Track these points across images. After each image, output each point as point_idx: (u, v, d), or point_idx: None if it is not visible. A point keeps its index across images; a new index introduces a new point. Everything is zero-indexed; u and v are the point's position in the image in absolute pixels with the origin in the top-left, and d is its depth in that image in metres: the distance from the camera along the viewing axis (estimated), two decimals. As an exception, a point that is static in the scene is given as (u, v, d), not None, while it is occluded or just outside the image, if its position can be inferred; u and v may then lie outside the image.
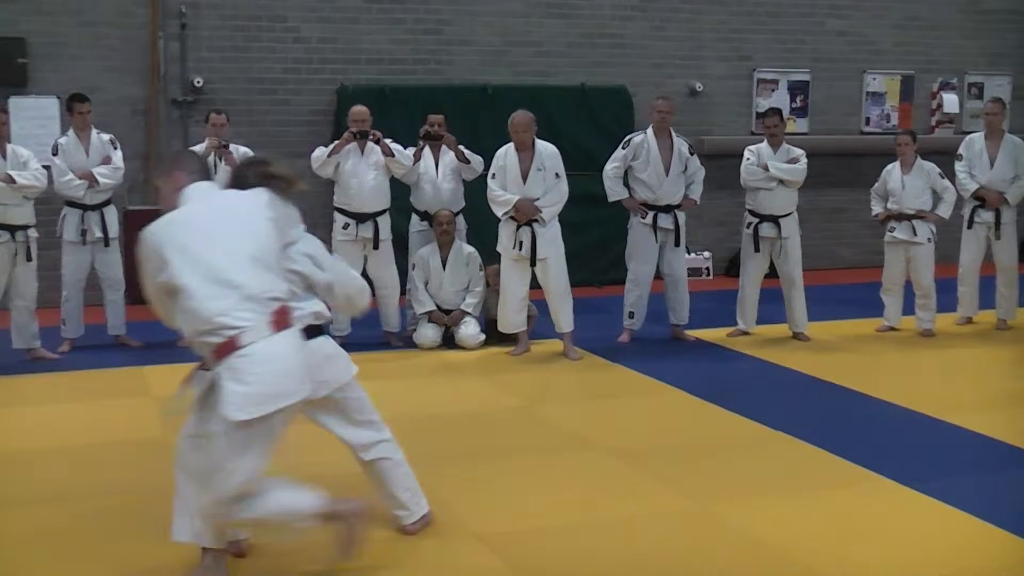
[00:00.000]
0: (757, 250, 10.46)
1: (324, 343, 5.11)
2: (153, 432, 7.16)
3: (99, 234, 10.12)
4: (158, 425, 7.19)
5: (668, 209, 10.23)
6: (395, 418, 7.69)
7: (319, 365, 4.88)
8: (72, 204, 10.06)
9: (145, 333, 9.97)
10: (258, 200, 4.72)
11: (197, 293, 4.35)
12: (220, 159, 10.13)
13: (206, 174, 4.84)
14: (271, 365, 4.38)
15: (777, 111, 10.70)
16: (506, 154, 9.62)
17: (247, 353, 4.32)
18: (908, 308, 10.77)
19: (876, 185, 10.86)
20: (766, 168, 10.31)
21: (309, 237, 5.30)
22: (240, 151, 10.40)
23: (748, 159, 10.47)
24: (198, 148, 10.39)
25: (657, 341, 10.35)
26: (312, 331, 4.94)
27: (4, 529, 5.67)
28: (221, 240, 4.47)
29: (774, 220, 10.41)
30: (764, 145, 10.46)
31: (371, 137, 10.04)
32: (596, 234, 13.10)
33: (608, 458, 6.81)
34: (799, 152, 10.45)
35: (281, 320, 4.45)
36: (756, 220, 10.45)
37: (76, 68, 12.56)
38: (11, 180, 9.33)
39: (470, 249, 10.29)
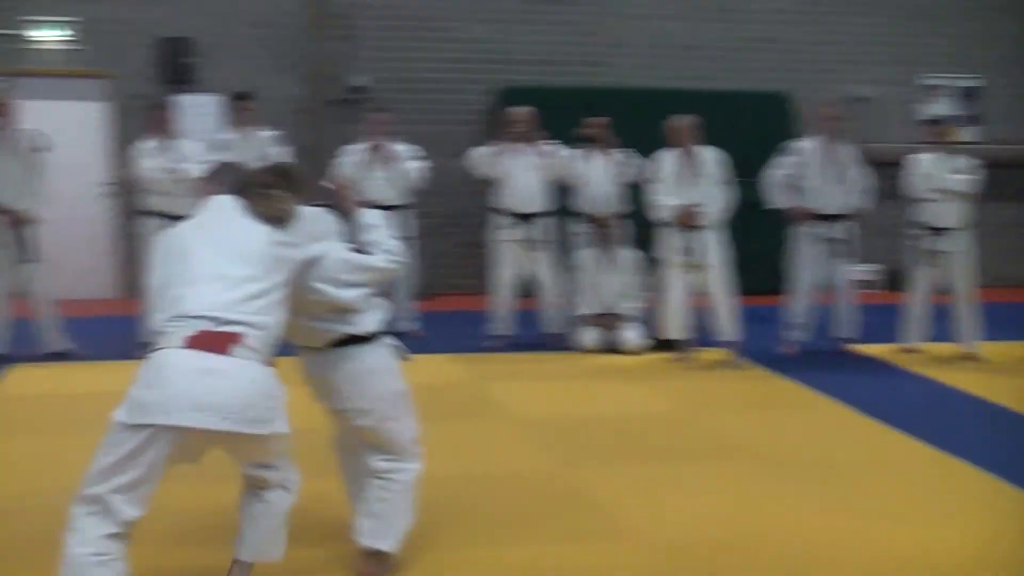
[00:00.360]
0: (926, 263, 10.07)
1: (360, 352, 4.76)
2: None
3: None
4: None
5: (833, 218, 9.98)
6: (554, 419, 7.79)
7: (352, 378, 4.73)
8: (236, 198, 10.23)
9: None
10: (261, 230, 4.34)
11: (154, 300, 4.24)
12: (377, 158, 10.24)
13: (238, 190, 4.50)
14: (159, 374, 3.98)
15: (945, 119, 10.31)
16: (667, 159, 9.50)
17: (150, 358, 4.06)
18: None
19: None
20: (935, 179, 9.93)
21: (333, 251, 4.63)
22: (399, 149, 10.47)
23: (916, 169, 10.06)
24: (357, 146, 10.48)
25: (823, 354, 10.11)
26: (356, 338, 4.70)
27: None
28: (196, 255, 4.23)
29: (942, 232, 9.97)
30: (930, 155, 10.07)
31: (531, 138, 10.02)
32: (759, 242, 12.84)
33: (771, 469, 6.61)
34: (970, 162, 10.01)
35: (207, 340, 4.00)
36: (925, 232, 10.07)
37: (240, 67, 12.79)
38: (177, 172, 9.53)
39: (633, 253, 10.17)
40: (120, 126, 12.69)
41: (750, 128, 13.64)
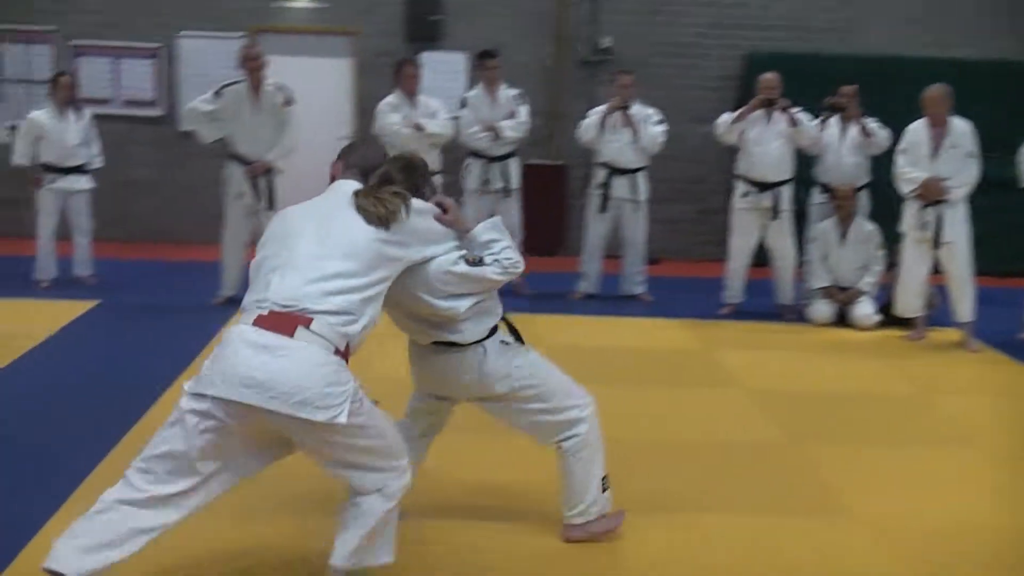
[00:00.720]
0: None
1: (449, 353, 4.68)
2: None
3: (500, 184, 10.53)
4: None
5: (1087, 198, 9.66)
6: (784, 391, 7.81)
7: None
8: (476, 155, 10.52)
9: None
10: (366, 226, 4.20)
11: (251, 277, 4.25)
12: (620, 120, 10.36)
13: (364, 174, 4.47)
14: (222, 349, 4.04)
15: None
16: (918, 130, 9.32)
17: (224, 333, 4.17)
18: None
19: None
20: None
21: (441, 261, 4.45)
22: (645, 112, 10.54)
23: None
24: (601, 108, 10.59)
25: (1065, 340, 9.79)
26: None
27: None
28: (296, 241, 4.19)
29: None
30: None
31: (778, 105, 9.95)
32: (1005, 220, 12.50)
33: (1003, 459, 6.53)
34: None
35: (274, 320, 3.99)
36: None
37: (487, 26, 13.02)
38: (420, 128, 9.88)
39: (871, 226, 10.06)
40: (365, 82, 13.08)
41: (1014, 100, 13.21)
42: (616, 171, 10.60)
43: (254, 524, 5.06)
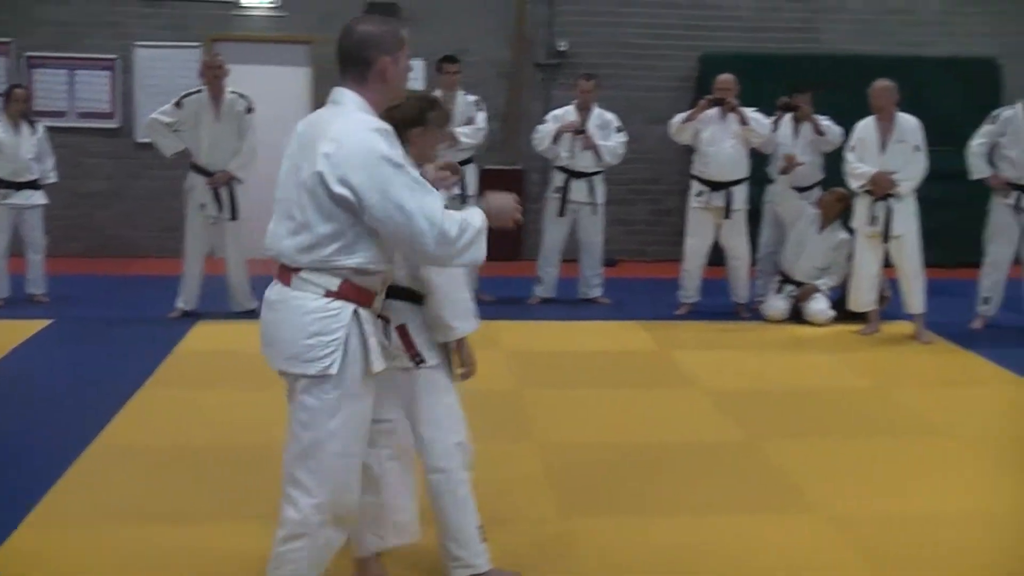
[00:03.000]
0: None
1: None
2: (507, 383, 7.45)
3: (457, 191, 10.54)
4: (510, 376, 7.50)
5: (1035, 189, 9.80)
6: (742, 389, 7.91)
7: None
8: (433, 161, 10.55)
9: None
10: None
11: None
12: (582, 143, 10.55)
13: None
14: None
15: None
16: (866, 126, 9.44)
17: None
18: None
19: None
20: None
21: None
22: (605, 118, 10.66)
23: None
24: (560, 111, 10.68)
25: (1013, 329, 9.94)
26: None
27: None
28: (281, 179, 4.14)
29: None
30: None
31: (726, 105, 10.04)
32: (954, 213, 12.63)
33: (959, 448, 6.65)
34: None
35: (279, 270, 3.99)
36: None
37: (444, 31, 13.04)
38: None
39: (845, 235, 10.05)
40: (324, 91, 13.03)
41: (961, 95, 13.38)
42: (574, 175, 10.69)
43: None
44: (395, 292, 4.27)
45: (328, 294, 3.81)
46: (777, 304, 10.15)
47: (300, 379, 3.83)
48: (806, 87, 10.49)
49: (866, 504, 5.68)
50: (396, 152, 3.77)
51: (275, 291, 3.96)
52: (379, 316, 4.08)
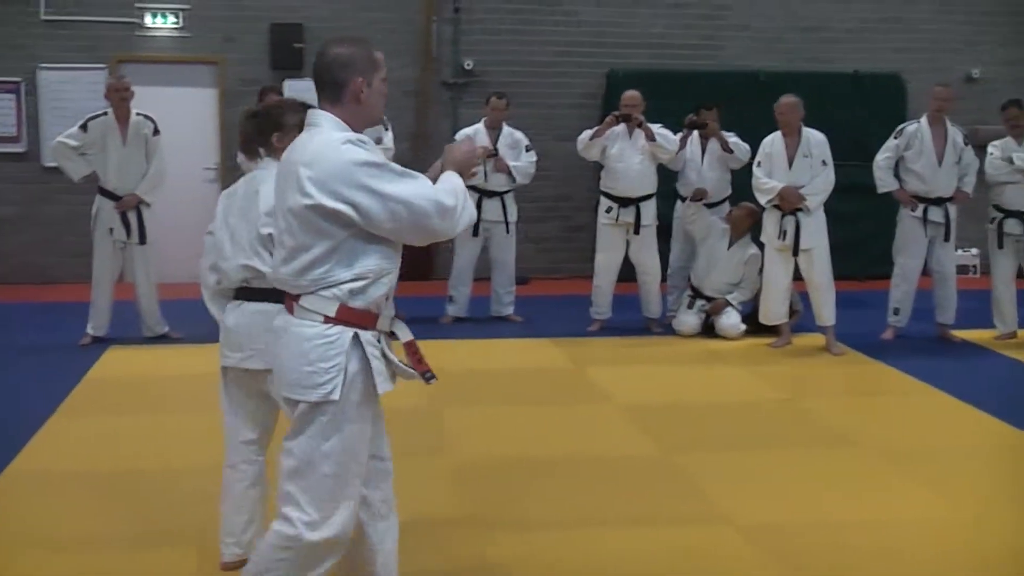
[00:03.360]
0: (1001, 247, 10.04)
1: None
2: (420, 402, 7.41)
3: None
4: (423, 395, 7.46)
5: (939, 202, 9.92)
6: (656, 404, 7.91)
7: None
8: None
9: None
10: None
11: None
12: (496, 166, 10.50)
13: None
14: None
15: (1016, 101, 10.15)
16: (773, 142, 9.51)
17: None
18: None
19: None
20: (1011, 162, 9.88)
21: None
22: (514, 137, 10.66)
23: (992, 153, 10.04)
24: (470, 130, 10.65)
25: (922, 340, 10.05)
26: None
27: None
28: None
29: (1020, 217, 9.94)
30: (1008, 139, 10.03)
31: (633, 121, 10.06)
32: (863, 226, 12.81)
33: (872, 457, 6.69)
34: None
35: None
36: (1001, 215, 10.03)
37: (351, 52, 12.97)
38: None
39: (755, 251, 10.11)
40: (231, 112, 12.94)
41: (866, 110, 13.56)
42: (486, 194, 10.66)
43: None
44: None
45: (326, 320, 3.81)
46: (688, 319, 10.16)
47: (300, 405, 3.84)
48: (712, 103, 10.54)
49: (779, 514, 5.68)
50: (373, 155, 3.79)
51: (280, 319, 3.98)
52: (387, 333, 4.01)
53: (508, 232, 10.81)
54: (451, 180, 3.92)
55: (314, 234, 3.76)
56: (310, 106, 4.41)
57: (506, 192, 10.74)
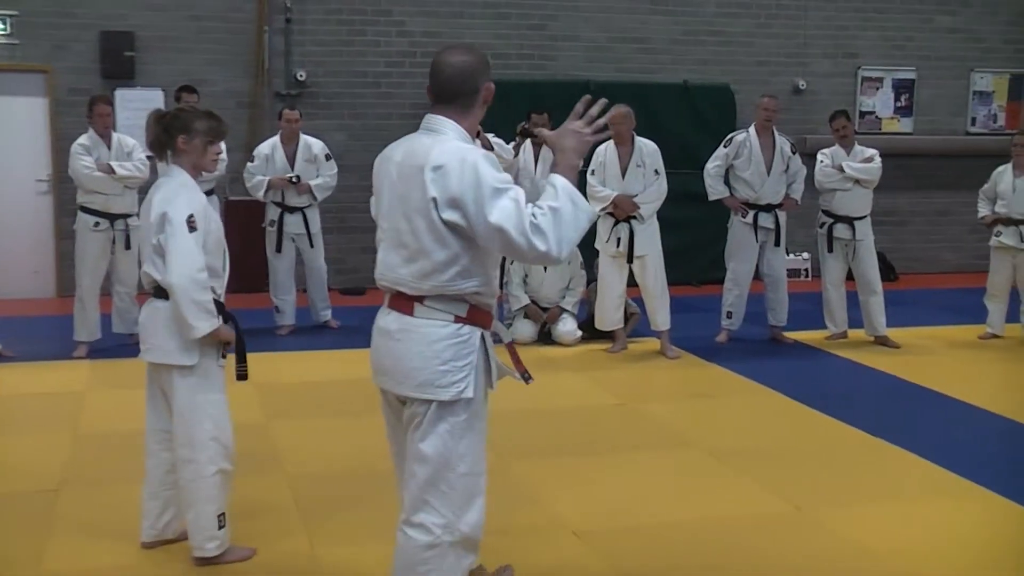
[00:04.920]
0: (831, 251, 10.33)
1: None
2: (254, 416, 7.29)
3: None
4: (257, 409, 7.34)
5: (769, 208, 10.13)
6: (492, 412, 7.79)
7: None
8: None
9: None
10: None
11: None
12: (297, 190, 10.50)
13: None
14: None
15: (843, 112, 10.48)
16: (606, 150, 9.57)
17: None
18: (1012, 315, 10.56)
19: (985, 187, 10.63)
20: (841, 169, 10.17)
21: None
22: (312, 152, 10.68)
23: (822, 161, 10.34)
24: (266, 146, 10.78)
25: (755, 342, 10.27)
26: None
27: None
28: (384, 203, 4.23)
29: (849, 221, 10.25)
30: (837, 147, 10.34)
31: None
32: (695, 232, 13.02)
33: (705, 458, 6.77)
34: (872, 152, 10.32)
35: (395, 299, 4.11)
36: (831, 220, 10.31)
37: (182, 61, 12.80)
38: (111, 170, 9.48)
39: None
40: (61, 121, 12.60)
41: (695, 119, 13.82)
42: (287, 209, 10.69)
43: None
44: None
45: (457, 319, 3.92)
46: (524, 328, 10.17)
47: (430, 405, 3.91)
48: (543, 110, 10.57)
49: (612, 518, 5.71)
50: (501, 177, 3.78)
51: (393, 319, 4.01)
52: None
53: (312, 245, 10.83)
54: (557, 198, 3.79)
55: (436, 240, 3.81)
56: (215, 115, 4.96)
57: (308, 206, 10.74)
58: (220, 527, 4.95)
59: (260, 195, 10.63)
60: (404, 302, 3.95)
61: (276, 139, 10.75)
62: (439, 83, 3.98)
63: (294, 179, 10.48)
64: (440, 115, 3.98)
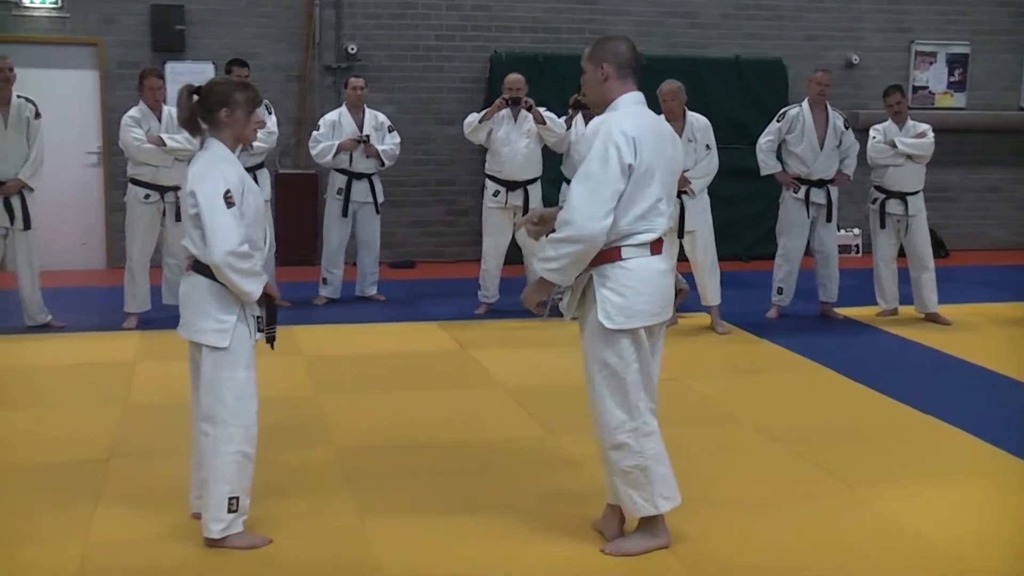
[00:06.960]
0: (883, 227, 10.23)
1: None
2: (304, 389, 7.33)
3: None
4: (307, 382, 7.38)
5: (821, 184, 10.06)
6: (541, 386, 7.85)
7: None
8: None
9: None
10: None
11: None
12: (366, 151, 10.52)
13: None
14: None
15: (898, 87, 10.35)
16: (658, 125, 9.50)
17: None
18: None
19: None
20: (893, 145, 10.06)
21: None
22: (378, 120, 10.64)
23: (874, 137, 10.21)
24: (333, 115, 10.73)
25: (805, 318, 10.21)
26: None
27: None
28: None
29: (902, 197, 10.15)
30: (889, 123, 10.21)
31: (523, 104, 10.02)
32: (746, 208, 12.95)
33: (754, 434, 6.73)
34: (925, 127, 10.19)
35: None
36: (883, 196, 10.21)
37: (232, 35, 12.82)
38: (162, 143, 9.50)
39: None
40: (112, 94, 12.67)
41: (747, 94, 13.71)
42: (354, 176, 10.66)
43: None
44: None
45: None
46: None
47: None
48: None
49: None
50: None
51: (666, 259, 5.00)
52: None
53: (376, 212, 10.85)
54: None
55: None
56: (249, 84, 5.05)
57: (373, 174, 10.76)
58: (231, 511, 4.86)
59: (328, 159, 10.60)
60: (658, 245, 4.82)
61: (343, 108, 10.79)
62: (632, 59, 5.11)
63: (364, 138, 10.48)
64: (638, 91, 5.08)
